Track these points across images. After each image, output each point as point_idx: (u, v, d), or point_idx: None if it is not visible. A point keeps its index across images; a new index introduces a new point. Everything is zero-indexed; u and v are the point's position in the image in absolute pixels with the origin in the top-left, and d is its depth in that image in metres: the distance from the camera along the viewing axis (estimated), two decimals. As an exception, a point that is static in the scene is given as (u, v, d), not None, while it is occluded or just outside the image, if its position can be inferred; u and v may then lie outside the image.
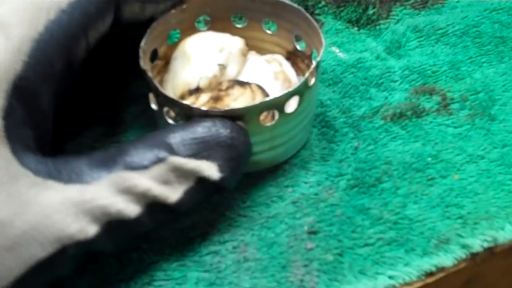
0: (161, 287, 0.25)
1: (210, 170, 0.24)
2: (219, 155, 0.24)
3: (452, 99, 0.33)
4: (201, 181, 0.24)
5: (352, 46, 0.37)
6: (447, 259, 0.26)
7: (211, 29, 0.32)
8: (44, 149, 0.24)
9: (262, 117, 0.26)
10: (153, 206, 0.23)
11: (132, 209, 0.22)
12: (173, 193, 0.23)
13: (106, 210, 0.22)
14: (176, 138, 0.24)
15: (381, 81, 0.34)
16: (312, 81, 0.27)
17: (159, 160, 0.23)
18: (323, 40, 0.28)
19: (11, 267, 0.21)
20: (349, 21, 0.39)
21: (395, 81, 0.34)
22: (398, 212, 0.28)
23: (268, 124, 0.27)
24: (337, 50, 0.37)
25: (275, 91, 0.29)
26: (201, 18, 0.32)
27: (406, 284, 0.25)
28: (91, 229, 0.22)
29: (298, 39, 0.32)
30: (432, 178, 0.29)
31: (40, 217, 0.21)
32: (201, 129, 0.24)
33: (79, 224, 0.22)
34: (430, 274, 0.26)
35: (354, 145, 0.31)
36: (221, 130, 0.24)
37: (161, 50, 0.31)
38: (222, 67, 0.29)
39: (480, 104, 0.33)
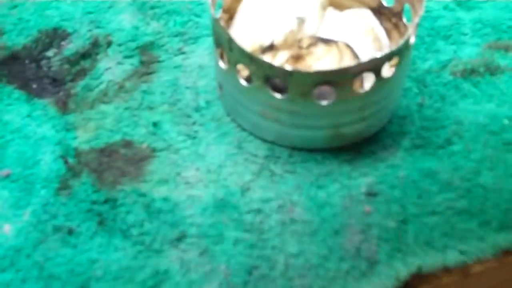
0: (193, 245, 0.22)
1: None
2: None
3: (530, 57, 0.29)
4: None
5: (416, -6, 0.33)
6: (528, 236, 0.22)
7: None
8: None
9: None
10: None
11: None
12: None
13: None
14: None
15: (449, 33, 0.30)
16: (412, 39, 0.23)
17: None
18: None
19: None
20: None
21: (466, 34, 0.30)
22: (470, 178, 0.24)
23: (361, 90, 0.23)
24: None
25: (365, 51, 0.25)
26: None
27: (480, 262, 0.22)
28: None
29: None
30: (509, 143, 0.26)
31: None
32: None
33: None
34: (508, 252, 0.22)
35: (419, 101, 0.27)
36: None
37: (226, 2, 0.28)
38: (301, 21, 0.26)
39: (562, 64, 0.29)
